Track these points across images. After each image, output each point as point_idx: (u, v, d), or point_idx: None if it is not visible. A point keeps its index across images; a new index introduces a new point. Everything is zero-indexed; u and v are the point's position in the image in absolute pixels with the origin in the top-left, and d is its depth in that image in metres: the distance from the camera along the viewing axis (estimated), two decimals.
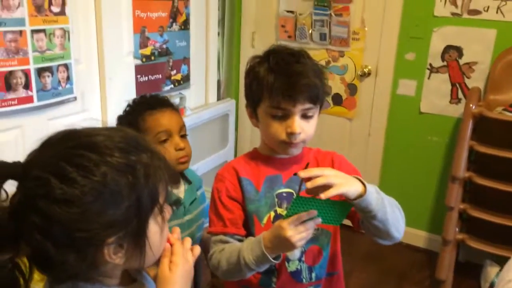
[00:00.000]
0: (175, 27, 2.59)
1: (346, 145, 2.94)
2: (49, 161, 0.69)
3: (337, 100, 2.92)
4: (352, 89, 2.85)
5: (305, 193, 0.99)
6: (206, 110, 2.92)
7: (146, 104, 1.48)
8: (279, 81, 1.08)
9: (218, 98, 3.17)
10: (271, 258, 1.01)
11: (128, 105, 1.52)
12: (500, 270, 2.34)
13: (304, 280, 1.18)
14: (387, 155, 2.85)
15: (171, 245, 0.83)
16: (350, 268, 2.61)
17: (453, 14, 2.46)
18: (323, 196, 0.93)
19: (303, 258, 1.18)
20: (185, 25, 2.66)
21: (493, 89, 2.30)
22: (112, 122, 1.52)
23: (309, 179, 0.97)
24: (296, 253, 1.17)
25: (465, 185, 2.40)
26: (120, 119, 1.51)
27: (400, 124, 2.76)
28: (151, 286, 0.86)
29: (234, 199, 1.17)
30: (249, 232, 1.16)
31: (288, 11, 2.91)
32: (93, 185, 0.68)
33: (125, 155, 0.71)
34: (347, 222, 1.18)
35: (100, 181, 0.68)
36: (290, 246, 0.98)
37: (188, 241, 0.87)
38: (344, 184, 0.96)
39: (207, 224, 1.60)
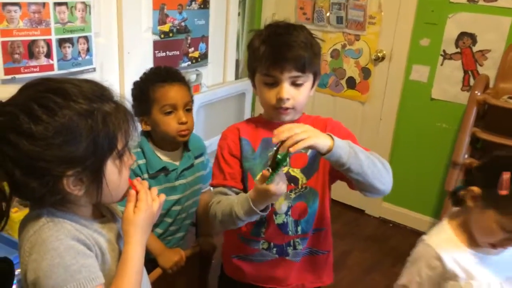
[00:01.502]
0: (194, 5, 2.68)
1: (357, 128, 2.98)
2: (21, 101, 0.81)
3: (351, 83, 2.96)
4: (366, 73, 2.88)
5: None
6: (222, 88, 3.02)
7: (159, 76, 1.59)
8: (268, 50, 1.20)
9: (236, 77, 3.27)
10: (258, 211, 1.12)
11: (144, 73, 1.64)
12: None
13: (290, 232, 1.30)
14: (397, 140, 2.87)
15: (137, 192, 0.95)
16: (351, 247, 2.69)
17: (469, 0, 2.44)
18: (292, 149, 1.02)
19: (290, 213, 1.29)
20: (205, 4, 2.76)
21: (503, 77, 2.29)
22: (129, 94, 1.65)
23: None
24: (283, 208, 1.28)
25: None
26: (135, 85, 1.63)
27: (411, 110, 2.78)
28: (120, 225, 0.98)
29: (234, 156, 1.29)
30: (244, 186, 1.28)
31: None
32: (55, 124, 0.79)
33: (88, 102, 0.82)
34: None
35: (61, 121, 0.79)
36: (270, 196, 1.08)
37: (155, 190, 0.99)
38: (312, 137, 1.04)
39: (205, 189, 1.72)
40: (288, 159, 1.06)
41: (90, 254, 0.86)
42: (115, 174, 0.89)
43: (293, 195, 1.28)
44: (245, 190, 1.27)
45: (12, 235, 1.45)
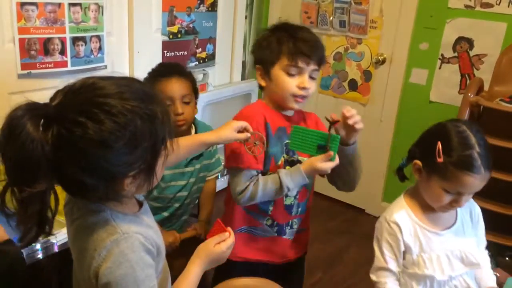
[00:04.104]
0: (202, 8, 2.81)
1: None
2: (83, 108, 0.82)
3: (353, 85, 3.05)
4: (367, 75, 2.97)
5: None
6: (228, 88, 3.14)
7: (158, 71, 1.72)
8: (300, 44, 1.39)
9: (243, 78, 3.38)
10: (307, 181, 1.36)
11: (148, 72, 1.77)
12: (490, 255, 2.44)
13: (293, 213, 1.49)
14: (396, 141, 2.96)
15: (229, 234, 1.09)
16: (348, 243, 2.77)
17: (466, 6, 2.52)
18: (358, 126, 1.31)
19: (298, 196, 1.47)
20: (213, 7, 2.88)
21: (498, 80, 2.36)
22: None
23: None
24: (294, 192, 1.44)
25: None
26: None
27: (410, 112, 2.86)
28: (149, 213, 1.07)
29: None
30: (266, 169, 1.41)
31: None
32: (119, 128, 0.82)
33: (143, 104, 0.86)
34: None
35: (125, 124, 0.83)
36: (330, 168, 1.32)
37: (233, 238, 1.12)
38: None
39: (209, 177, 1.85)
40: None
41: (152, 264, 0.95)
42: (161, 165, 0.95)
43: None
44: (265, 173, 1.40)
45: None
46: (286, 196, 1.44)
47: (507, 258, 2.34)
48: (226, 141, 1.33)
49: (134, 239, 0.92)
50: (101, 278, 0.89)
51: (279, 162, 1.42)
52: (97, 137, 0.81)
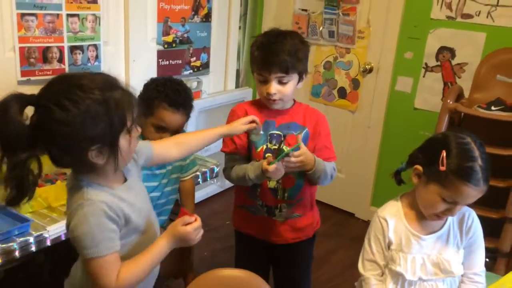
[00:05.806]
0: (197, 19, 2.93)
1: (348, 136, 3.17)
2: (53, 96, 1.06)
3: (342, 93, 3.15)
4: (355, 83, 3.08)
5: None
6: (222, 95, 3.25)
7: (168, 97, 1.75)
8: (260, 56, 1.57)
9: (237, 86, 3.49)
10: (266, 176, 1.50)
11: (157, 84, 1.80)
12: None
13: (278, 196, 1.66)
14: (383, 147, 3.05)
15: (195, 219, 1.21)
16: (336, 246, 2.85)
17: (448, 17, 2.64)
18: (286, 170, 1.48)
19: (280, 181, 1.64)
20: (207, 17, 3.00)
21: (477, 88, 2.46)
22: None
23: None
24: (257, 181, 1.61)
25: None
26: (145, 86, 1.82)
27: (396, 119, 2.96)
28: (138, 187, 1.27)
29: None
30: (249, 154, 1.65)
31: (302, 10, 3.18)
32: (80, 112, 1.04)
33: (102, 92, 1.07)
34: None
35: (85, 110, 1.04)
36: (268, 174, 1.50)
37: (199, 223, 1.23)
38: (306, 166, 1.53)
39: (184, 178, 1.94)
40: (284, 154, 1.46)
41: (114, 229, 1.13)
42: (126, 145, 1.14)
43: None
44: (249, 156, 1.65)
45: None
46: (269, 180, 1.62)
47: (487, 260, 2.41)
48: (236, 132, 1.55)
49: (96, 206, 1.11)
50: (70, 232, 1.13)
51: (258, 150, 1.63)
52: (60, 118, 1.03)
